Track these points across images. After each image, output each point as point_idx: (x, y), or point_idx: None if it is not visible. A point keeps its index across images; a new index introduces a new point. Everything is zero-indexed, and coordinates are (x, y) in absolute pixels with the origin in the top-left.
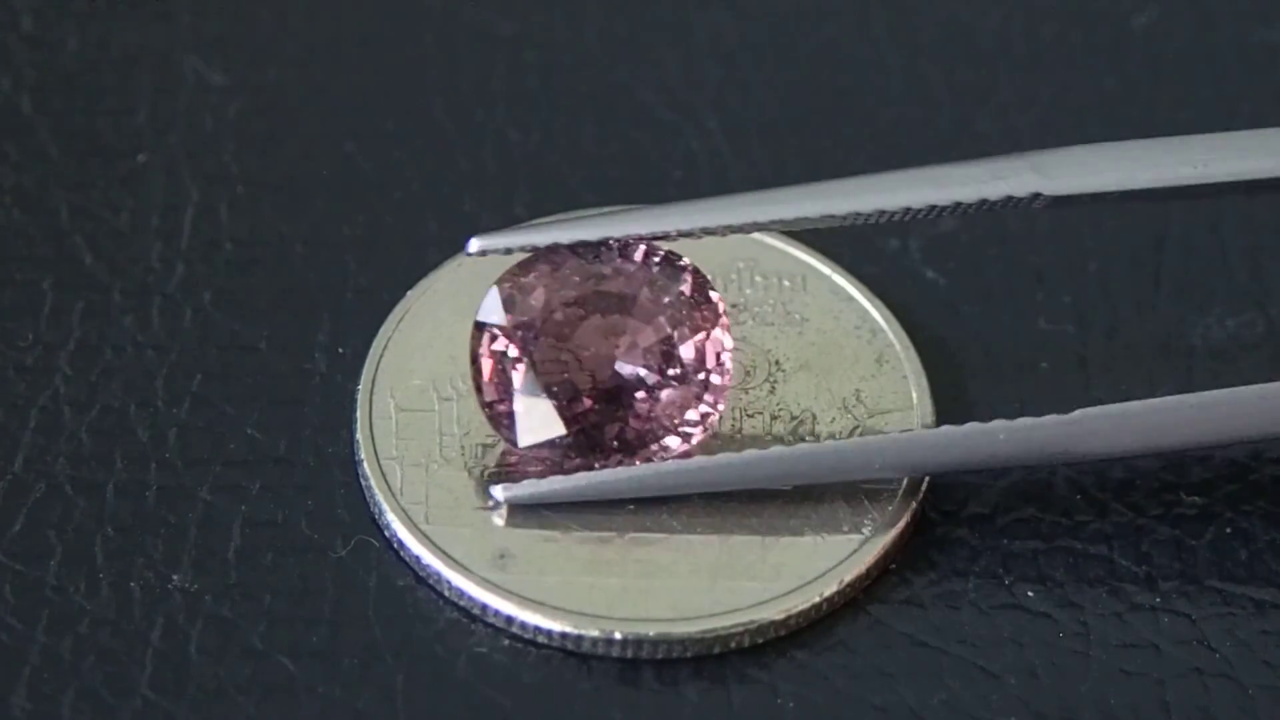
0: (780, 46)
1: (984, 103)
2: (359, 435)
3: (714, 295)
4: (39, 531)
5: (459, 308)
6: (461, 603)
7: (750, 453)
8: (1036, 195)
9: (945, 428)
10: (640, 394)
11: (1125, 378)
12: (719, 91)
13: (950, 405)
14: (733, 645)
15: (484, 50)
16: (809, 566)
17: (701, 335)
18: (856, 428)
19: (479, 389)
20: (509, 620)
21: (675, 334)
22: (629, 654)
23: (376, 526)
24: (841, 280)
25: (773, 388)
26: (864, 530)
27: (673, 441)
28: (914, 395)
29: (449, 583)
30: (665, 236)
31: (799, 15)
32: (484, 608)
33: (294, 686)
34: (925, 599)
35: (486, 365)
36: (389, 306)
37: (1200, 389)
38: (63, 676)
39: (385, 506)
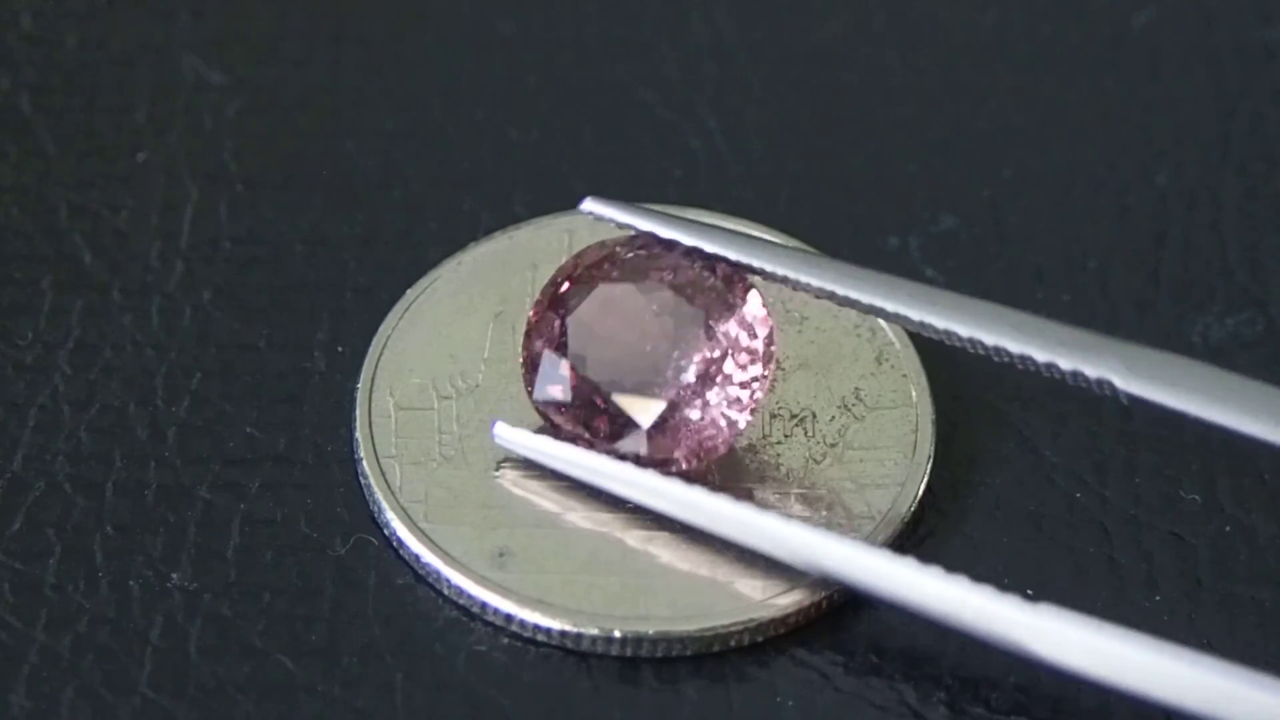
0: (780, 46)
1: (984, 102)
2: (358, 433)
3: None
4: (38, 530)
5: (458, 306)
6: (461, 601)
7: (744, 508)
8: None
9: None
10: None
11: None
12: (719, 91)
13: (950, 404)
14: (732, 644)
15: (484, 50)
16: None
17: (716, 354)
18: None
19: (528, 327)
20: (508, 619)
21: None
22: (628, 652)
23: (376, 525)
24: None
25: (772, 386)
26: (864, 528)
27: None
28: (913, 393)
29: (448, 581)
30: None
31: (799, 15)
32: (483, 606)
33: (293, 685)
34: None
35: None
36: (388, 305)
37: None
38: (62, 675)
39: (384, 505)
